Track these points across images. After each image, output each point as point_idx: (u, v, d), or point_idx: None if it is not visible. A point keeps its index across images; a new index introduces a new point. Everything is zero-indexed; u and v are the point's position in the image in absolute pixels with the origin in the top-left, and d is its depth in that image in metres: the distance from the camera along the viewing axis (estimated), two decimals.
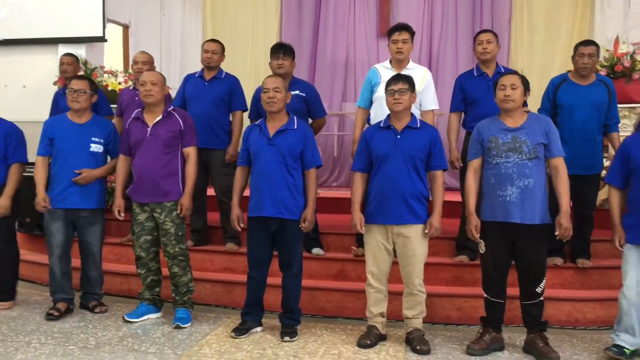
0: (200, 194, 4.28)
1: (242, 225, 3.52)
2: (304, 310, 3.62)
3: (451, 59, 7.27)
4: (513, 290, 3.32)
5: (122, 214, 3.75)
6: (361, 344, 3.32)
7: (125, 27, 6.93)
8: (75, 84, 3.81)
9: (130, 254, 4.38)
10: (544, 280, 3.17)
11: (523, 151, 3.10)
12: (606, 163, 4.25)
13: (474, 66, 4.16)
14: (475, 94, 3.99)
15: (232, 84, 4.43)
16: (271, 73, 4.01)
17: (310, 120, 4.19)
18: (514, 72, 3.42)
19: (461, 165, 4.01)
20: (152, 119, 3.65)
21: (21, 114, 5.39)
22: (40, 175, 3.81)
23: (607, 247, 3.29)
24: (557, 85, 3.93)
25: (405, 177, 3.22)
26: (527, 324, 3.27)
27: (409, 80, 3.31)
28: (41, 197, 3.76)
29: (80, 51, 5.76)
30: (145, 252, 3.69)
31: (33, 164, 3.92)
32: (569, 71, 4.02)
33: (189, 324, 3.66)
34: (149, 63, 4.55)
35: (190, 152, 3.70)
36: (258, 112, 4.19)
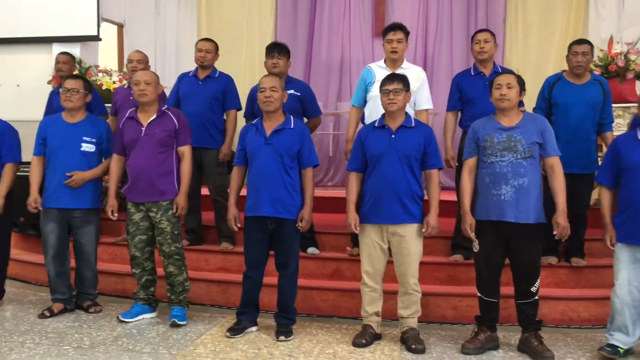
0: (194, 194, 4.27)
1: (239, 225, 3.52)
2: (299, 310, 3.62)
3: (446, 58, 7.27)
4: (507, 290, 3.33)
5: (116, 214, 3.74)
6: (356, 343, 3.32)
7: (120, 26, 6.90)
8: (69, 83, 3.80)
9: (124, 254, 4.38)
10: (538, 280, 3.18)
11: (518, 150, 3.11)
12: (600, 162, 4.26)
13: (468, 66, 4.17)
14: (471, 93, 4.00)
15: (226, 83, 4.42)
16: (266, 72, 4.01)
17: (305, 120, 4.20)
18: (510, 72, 3.43)
19: (457, 164, 4.02)
20: (147, 118, 3.64)
21: (15, 113, 5.36)
22: (34, 175, 3.81)
23: (601, 246, 3.30)
24: (552, 84, 3.95)
25: (400, 176, 3.23)
26: (521, 323, 3.28)
27: (403, 79, 3.31)
28: (32, 198, 3.77)
29: (74, 50, 5.74)
30: (140, 251, 3.69)
31: (27, 163, 3.91)
32: (564, 70, 4.04)
33: (185, 322, 3.66)
34: (144, 62, 4.55)
35: (185, 151, 3.69)
36: (253, 111, 4.20)
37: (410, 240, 3.26)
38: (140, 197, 3.62)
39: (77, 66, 5.52)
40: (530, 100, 4.06)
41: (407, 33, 3.98)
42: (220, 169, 4.43)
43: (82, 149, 3.75)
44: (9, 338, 3.37)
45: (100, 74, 5.75)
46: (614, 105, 4.19)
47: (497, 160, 3.14)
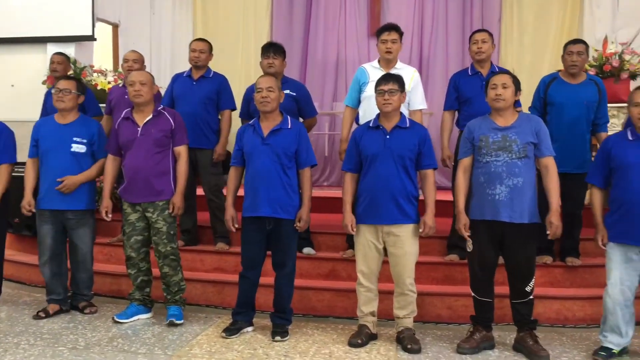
0: (190, 194, 4.27)
1: (236, 226, 3.51)
2: (295, 310, 3.62)
3: (442, 58, 7.28)
4: (502, 289, 3.34)
5: (110, 215, 3.73)
6: (352, 343, 3.32)
7: (115, 26, 6.89)
8: (61, 84, 3.79)
9: (120, 254, 4.37)
10: (533, 279, 3.19)
11: (513, 150, 3.11)
12: None
13: (464, 65, 4.18)
14: (468, 93, 4.01)
15: (221, 83, 4.41)
16: (262, 72, 4.01)
17: (300, 120, 4.19)
18: (506, 72, 3.44)
19: (453, 163, 4.03)
20: (143, 118, 3.63)
21: (9, 113, 5.36)
22: (28, 177, 3.81)
23: (596, 245, 3.31)
24: (548, 84, 3.96)
25: (395, 177, 3.23)
26: (517, 323, 3.28)
27: (398, 80, 3.31)
28: (26, 201, 3.76)
29: (69, 50, 5.72)
30: (135, 252, 3.68)
31: (23, 164, 3.90)
32: (559, 70, 4.05)
33: (182, 321, 3.66)
34: (140, 62, 4.53)
35: (182, 151, 3.69)
36: (249, 111, 4.19)
37: (405, 240, 3.26)
38: (137, 197, 3.61)
39: (72, 66, 5.50)
40: (525, 100, 4.07)
41: (401, 34, 3.98)
42: (215, 169, 4.43)
43: (72, 149, 3.72)
44: (3, 339, 3.36)
45: (95, 74, 5.74)
46: (608, 105, 4.20)
47: (492, 160, 3.15)
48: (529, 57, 6.79)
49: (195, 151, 4.24)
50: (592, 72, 4.80)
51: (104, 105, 4.74)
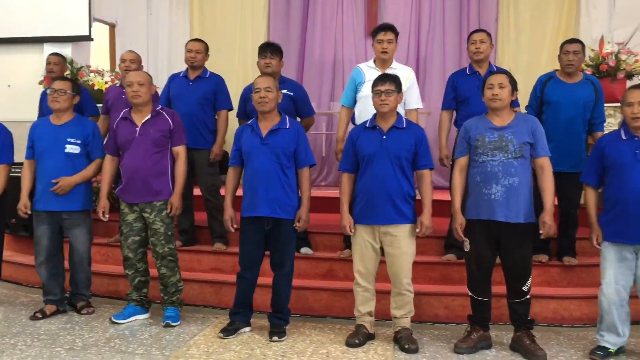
0: (187, 194, 4.25)
1: (235, 226, 3.50)
2: (293, 310, 3.62)
3: (439, 58, 7.28)
4: (500, 289, 3.34)
5: (107, 216, 3.72)
6: (349, 343, 3.33)
7: (112, 26, 6.87)
8: (56, 84, 3.78)
9: (117, 255, 4.35)
10: (529, 279, 3.20)
11: (509, 150, 3.12)
12: None
13: (461, 65, 4.19)
14: (466, 93, 4.01)
15: (217, 83, 4.41)
16: (259, 72, 4.00)
17: (298, 120, 4.19)
18: (503, 72, 3.45)
19: (451, 163, 4.03)
20: (141, 118, 3.63)
21: (6, 113, 5.35)
22: (24, 179, 3.80)
23: (591, 245, 3.33)
24: (544, 83, 3.98)
25: (391, 177, 3.23)
26: (514, 322, 3.29)
27: (395, 80, 3.32)
28: (22, 203, 3.75)
29: (66, 50, 5.71)
30: (133, 252, 3.67)
31: (20, 164, 3.89)
32: (556, 70, 4.06)
33: (179, 323, 3.66)
34: (137, 62, 4.53)
35: (180, 151, 3.68)
36: (246, 111, 4.19)
37: (402, 240, 3.26)
38: (135, 197, 3.61)
39: (69, 67, 5.49)
40: (522, 100, 4.08)
41: (396, 33, 4.00)
42: (212, 169, 4.43)
43: (66, 150, 3.70)
44: (0, 340, 3.35)
45: (92, 74, 5.73)
46: (605, 105, 4.22)
47: (488, 159, 3.15)
48: (526, 57, 6.80)
49: (192, 151, 4.23)
50: (588, 71, 4.81)
51: (102, 105, 4.73)
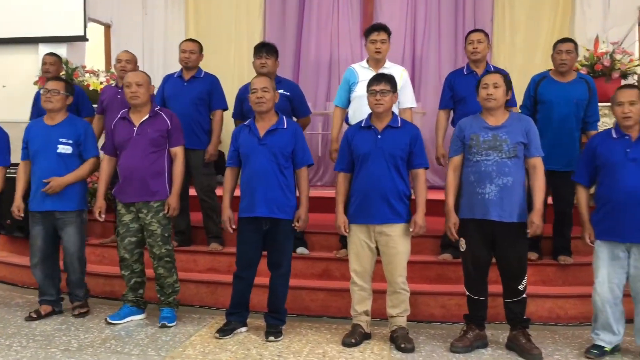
0: (183, 195, 4.25)
1: (233, 227, 3.50)
2: (289, 310, 3.61)
3: (434, 58, 7.29)
4: (495, 288, 3.35)
5: (103, 215, 3.72)
6: (346, 343, 3.33)
7: (107, 26, 6.86)
8: (50, 84, 3.76)
9: (113, 255, 4.35)
10: (525, 277, 3.20)
11: (503, 150, 3.13)
12: None
13: (456, 65, 4.20)
14: (463, 92, 4.02)
15: (212, 83, 4.41)
16: (255, 73, 4.00)
17: (294, 119, 4.20)
18: (498, 71, 3.46)
19: (447, 162, 4.04)
20: (139, 118, 3.62)
21: (0, 114, 5.32)
22: (19, 180, 3.79)
23: (583, 244, 3.34)
24: (538, 82, 4.00)
25: (386, 176, 3.24)
26: (510, 321, 3.30)
27: (391, 80, 3.32)
28: (15, 205, 3.75)
29: (61, 50, 5.69)
30: (129, 253, 3.66)
31: (16, 165, 3.88)
32: (550, 69, 4.08)
33: (175, 323, 3.65)
34: (132, 62, 4.53)
35: (178, 151, 3.68)
36: (242, 111, 4.19)
37: (397, 239, 3.27)
38: (131, 197, 3.60)
39: (64, 67, 5.48)
40: (518, 100, 4.10)
41: (389, 33, 4.01)
42: (207, 170, 4.42)
43: (58, 150, 3.67)
44: None
45: (87, 75, 5.72)
46: (599, 104, 4.23)
47: (482, 159, 3.16)
48: (521, 57, 6.81)
49: (187, 152, 4.21)
50: (583, 71, 4.83)
51: (97, 105, 4.72)
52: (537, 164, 3.20)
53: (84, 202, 3.85)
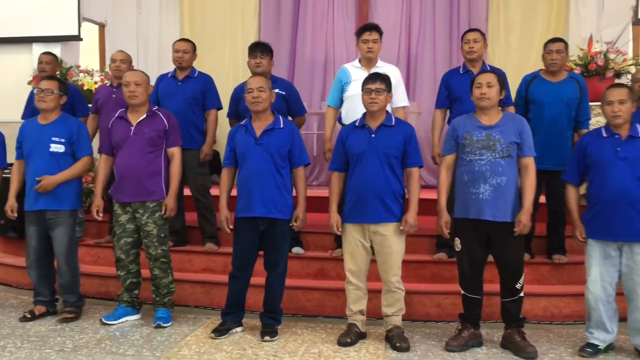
0: (178, 195, 4.24)
1: (231, 227, 3.49)
2: (284, 310, 3.61)
3: (429, 57, 7.30)
4: (490, 286, 3.36)
5: (101, 215, 3.70)
6: (341, 342, 3.33)
7: (102, 26, 6.83)
8: (43, 84, 3.73)
9: (107, 256, 4.34)
10: (522, 276, 3.22)
11: (496, 149, 3.14)
12: None
13: (451, 65, 4.21)
14: (459, 92, 4.03)
15: (206, 82, 4.40)
16: (250, 72, 4.00)
17: (290, 119, 4.20)
18: (492, 71, 3.47)
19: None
20: (136, 118, 3.62)
21: None
22: (13, 180, 3.77)
23: (576, 242, 3.35)
24: (529, 82, 4.03)
25: (380, 175, 3.25)
26: (505, 320, 3.31)
27: (385, 80, 3.33)
28: (8, 205, 3.73)
29: (55, 50, 5.65)
30: (125, 254, 3.65)
31: (11, 165, 3.87)
32: (541, 69, 4.10)
33: (170, 324, 3.64)
34: (127, 62, 4.52)
35: (175, 152, 3.67)
36: (238, 111, 4.19)
37: (392, 239, 3.27)
38: (127, 196, 3.59)
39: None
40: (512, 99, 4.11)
41: (381, 33, 4.02)
42: (202, 169, 4.41)
43: (50, 149, 3.65)
44: None
45: (81, 74, 5.70)
46: (593, 103, 4.25)
47: (475, 158, 3.17)
48: (516, 57, 6.83)
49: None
50: (577, 70, 4.85)
51: (91, 105, 4.71)
52: (529, 164, 3.21)
53: (78, 202, 3.82)
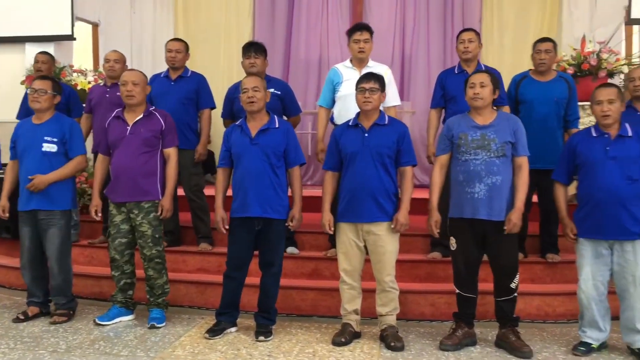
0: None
1: (227, 227, 3.48)
2: (279, 310, 3.61)
3: (423, 57, 7.32)
4: (484, 286, 3.37)
5: (99, 214, 3.70)
6: (336, 342, 3.33)
7: (95, 26, 6.81)
8: (37, 84, 3.71)
9: (101, 256, 4.33)
10: (517, 275, 3.23)
11: (491, 149, 3.15)
12: None
13: (445, 65, 4.23)
14: (454, 91, 4.04)
15: (199, 82, 4.39)
16: (244, 72, 3.99)
17: (285, 118, 4.20)
18: (487, 70, 3.48)
19: None
20: (133, 117, 3.61)
21: None
22: (5, 180, 3.75)
23: (568, 241, 3.37)
24: (518, 82, 4.06)
25: (373, 174, 3.25)
26: (499, 319, 3.32)
27: (379, 79, 3.34)
28: (0, 206, 3.70)
29: (48, 50, 5.62)
30: (119, 254, 3.64)
31: (4, 165, 3.85)
32: (530, 69, 4.12)
33: (164, 324, 3.64)
34: (121, 62, 4.51)
35: (172, 152, 3.67)
36: (232, 111, 4.18)
37: (385, 238, 3.28)
38: (122, 196, 3.58)
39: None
40: None
41: (372, 33, 4.02)
42: (196, 169, 4.41)
43: (43, 149, 3.62)
44: None
45: (74, 74, 5.68)
46: (586, 103, 4.27)
47: (470, 158, 3.18)
48: (509, 57, 6.85)
49: None
50: (570, 70, 4.88)
51: (85, 104, 4.69)
52: (523, 163, 3.22)
53: (72, 202, 3.79)
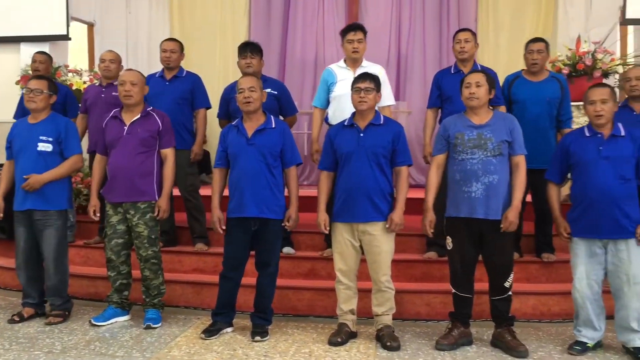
0: None
1: (224, 227, 3.47)
2: (275, 310, 3.61)
3: (419, 57, 7.32)
4: (480, 285, 3.38)
5: (98, 214, 3.69)
6: (332, 342, 3.33)
7: (90, 26, 6.79)
8: (32, 84, 3.70)
9: (97, 257, 4.32)
10: (511, 275, 3.24)
11: (488, 148, 3.16)
12: None
13: (441, 65, 4.24)
14: (450, 91, 4.05)
15: (194, 81, 4.39)
16: (240, 72, 3.99)
17: (281, 118, 4.19)
18: (482, 70, 3.48)
19: None
20: (130, 117, 3.61)
21: None
22: (2, 180, 3.74)
23: (562, 240, 3.38)
24: (511, 82, 4.07)
25: (369, 174, 3.26)
26: (495, 319, 3.33)
27: (375, 79, 3.34)
28: None
29: (43, 50, 5.62)
30: (115, 255, 3.63)
31: (0, 165, 3.84)
32: (523, 69, 4.13)
33: (160, 325, 3.63)
34: (117, 61, 4.50)
35: (169, 153, 3.66)
36: (228, 111, 4.18)
37: (380, 238, 3.28)
38: (119, 196, 3.57)
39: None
40: None
41: (365, 32, 4.03)
42: (191, 169, 4.40)
43: (38, 149, 3.61)
44: None
45: (70, 74, 5.66)
46: (582, 103, 4.27)
47: (467, 157, 3.19)
48: (505, 57, 6.85)
49: None
50: (565, 70, 4.89)
51: (80, 104, 4.68)
52: (520, 162, 3.23)
53: (68, 202, 3.78)
